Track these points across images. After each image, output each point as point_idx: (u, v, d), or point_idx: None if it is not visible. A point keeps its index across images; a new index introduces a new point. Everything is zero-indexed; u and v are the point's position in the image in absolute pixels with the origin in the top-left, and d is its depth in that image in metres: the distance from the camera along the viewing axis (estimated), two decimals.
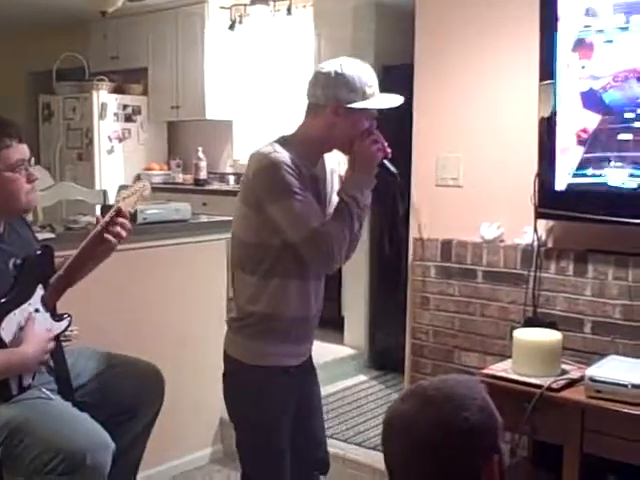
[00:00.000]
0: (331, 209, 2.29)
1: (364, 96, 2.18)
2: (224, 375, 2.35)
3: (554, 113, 2.79)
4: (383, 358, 4.87)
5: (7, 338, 2.12)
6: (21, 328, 2.16)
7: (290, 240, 2.15)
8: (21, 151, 2.17)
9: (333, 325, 5.19)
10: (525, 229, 3.00)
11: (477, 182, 3.20)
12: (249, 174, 2.20)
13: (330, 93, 2.18)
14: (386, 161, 2.24)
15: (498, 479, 1.31)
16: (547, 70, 2.80)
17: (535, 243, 2.96)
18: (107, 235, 2.26)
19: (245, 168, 2.25)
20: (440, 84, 3.29)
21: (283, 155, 2.15)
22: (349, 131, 2.21)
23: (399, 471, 1.34)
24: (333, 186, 2.37)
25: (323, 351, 4.93)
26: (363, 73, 2.21)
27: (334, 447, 3.65)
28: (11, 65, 6.90)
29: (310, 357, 2.46)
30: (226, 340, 2.33)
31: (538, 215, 2.90)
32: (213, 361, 2.47)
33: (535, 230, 2.95)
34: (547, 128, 2.81)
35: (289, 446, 2.33)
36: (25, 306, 2.19)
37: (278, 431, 2.29)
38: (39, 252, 2.30)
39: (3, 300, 2.13)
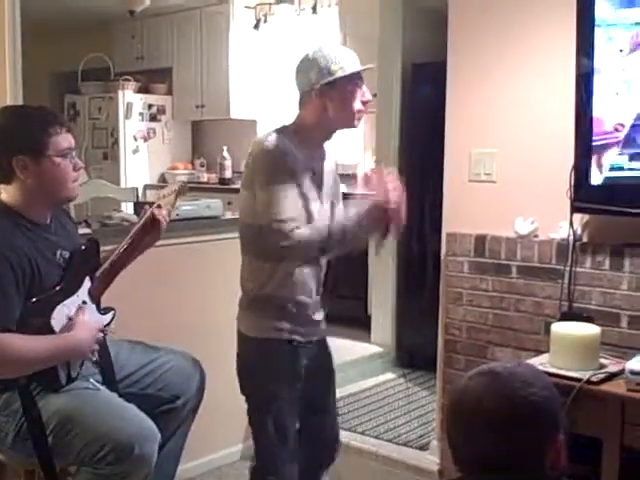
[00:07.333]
0: (323, 201, 2.36)
1: (330, 72, 2.27)
2: (237, 353, 2.43)
3: (591, 106, 2.78)
4: (410, 356, 4.88)
5: (57, 328, 2.15)
6: (70, 319, 2.19)
7: (259, 222, 2.24)
8: (69, 140, 2.22)
9: (360, 323, 5.21)
10: (560, 224, 2.99)
11: (511, 177, 3.19)
12: (250, 159, 2.32)
13: (305, 78, 2.30)
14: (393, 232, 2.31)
15: (562, 456, 1.34)
16: (584, 62, 2.78)
17: (570, 238, 2.95)
18: (159, 217, 2.35)
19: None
20: (473, 80, 3.29)
21: (284, 143, 2.27)
22: (342, 104, 2.30)
23: (464, 448, 1.35)
24: (329, 181, 2.43)
25: (350, 349, 4.95)
26: (328, 52, 2.29)
27: (366, 444, 3.67)
28: (36, 66, 6.92)
29: (322, 340, 2.54)
30: (237, 318, 2.44)
31: (574, 209, 2.89)
32: None
33: (571, 224, 2.94)
34: (584, 121, 2.80)
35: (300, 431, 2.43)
36: (74, 298, 2.22)
37: (279, 400, 2.36)
38: (86, 245, 2.34)
39: (54, 291, 2.17)
